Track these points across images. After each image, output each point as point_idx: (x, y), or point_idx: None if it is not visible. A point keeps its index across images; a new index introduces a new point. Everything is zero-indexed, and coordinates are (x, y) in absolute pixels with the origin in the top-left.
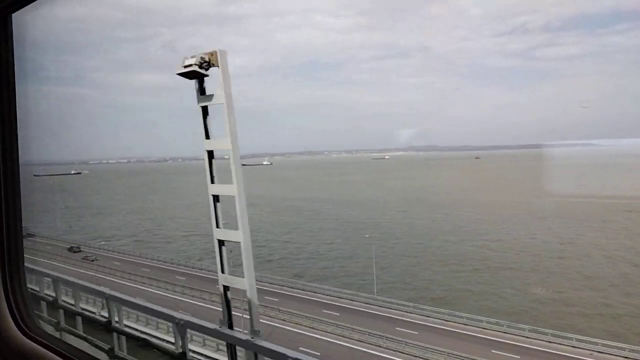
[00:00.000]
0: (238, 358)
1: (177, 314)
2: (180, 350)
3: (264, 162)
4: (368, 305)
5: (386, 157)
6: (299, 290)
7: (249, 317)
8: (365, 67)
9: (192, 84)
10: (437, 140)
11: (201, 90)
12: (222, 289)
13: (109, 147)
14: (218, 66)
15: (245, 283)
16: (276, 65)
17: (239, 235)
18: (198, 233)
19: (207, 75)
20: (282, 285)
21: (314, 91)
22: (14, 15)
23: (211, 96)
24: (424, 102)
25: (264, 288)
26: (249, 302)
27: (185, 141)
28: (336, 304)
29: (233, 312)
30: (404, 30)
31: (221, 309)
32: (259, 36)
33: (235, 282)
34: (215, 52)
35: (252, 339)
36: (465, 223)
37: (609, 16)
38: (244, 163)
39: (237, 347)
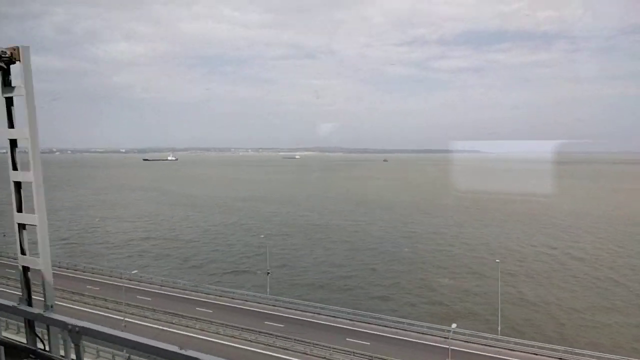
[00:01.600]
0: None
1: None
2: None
3: (169, 158)
4: None
5: (297, 156)
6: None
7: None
8: (272, 65)
9: (93, 69)
10: (343, 142)
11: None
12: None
13: None
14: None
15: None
16: (179, 56)
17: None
18: None
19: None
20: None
21: (220, 85)
22: None
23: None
24: (330, 104)
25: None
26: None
27: (77, 131)
28: None
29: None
30: (310, 31)
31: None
32: (162, 24)
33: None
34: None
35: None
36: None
37: (494, 34)
38: (147, 158)
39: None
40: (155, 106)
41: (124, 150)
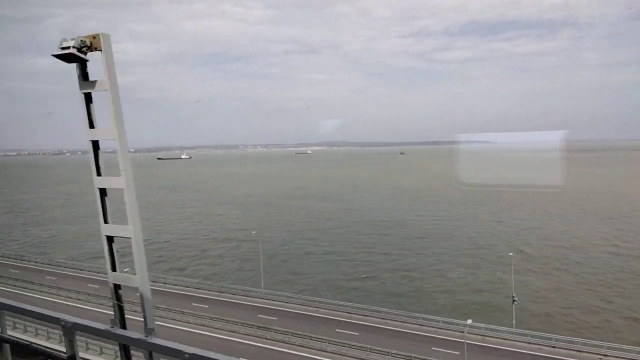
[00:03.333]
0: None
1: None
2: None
3: (183, 156)
4: None
5: (309, 151)
6: None
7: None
8: (276, 61)
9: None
10: (349, 137)
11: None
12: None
13: None
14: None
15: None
16: (183, 55)
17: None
18: None
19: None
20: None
21: (224, 83)
22: None
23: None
24: (334, 99)
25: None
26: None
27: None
28: None
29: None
30: (313, 26)
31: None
32: (165, 23)
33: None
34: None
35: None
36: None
37: (499, 24)
38: (160, 157)
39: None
40: (161, 105)
41: (133, 150)
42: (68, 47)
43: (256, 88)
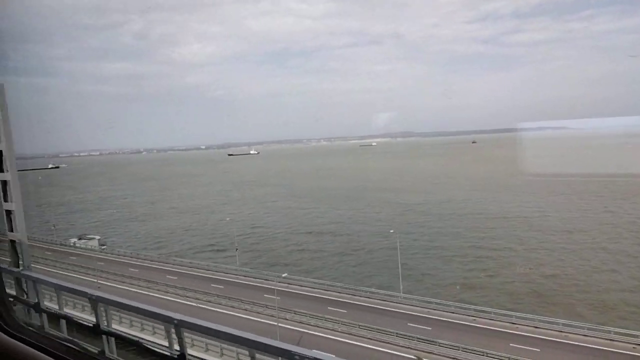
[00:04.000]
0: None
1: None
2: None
3: (251, 152)
4: None
5: (373, 143)
6: None
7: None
8: (338, 54)
9: (169, 71)
10: (416, 127)
11: None
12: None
13: (78, 139)
14: None
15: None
16: (248, 53)
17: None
18: None
19: None
20: None
21: (287, 79)
22: None
23: None
24: (397, 89)
25: None
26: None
27: (162, 131)
28: None
29: None
30: (376, 17)
31: None
32: (231, 23)
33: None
34: None
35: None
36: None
37: (574, 2)
38: (231, 153)
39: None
40: (227, 103)
41: (204, 147)
42: None
43: (318, 82)
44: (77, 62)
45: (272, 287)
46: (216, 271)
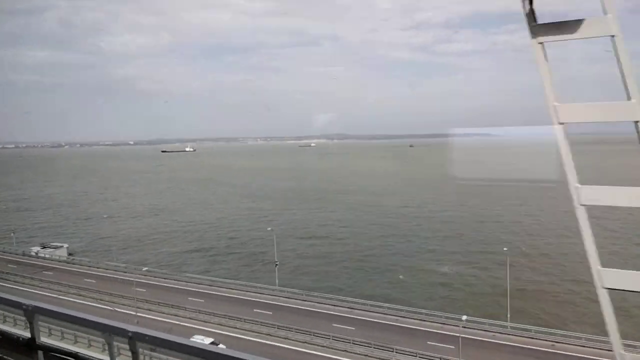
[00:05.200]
0: None
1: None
2: None
3: (187, 149)
4: None
5: (312, 144)
6: None
7: None
8: (276, 53)
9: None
10: (348, 129)
11: None
12: None
13: None
14: None
15: None
16: (183, 46)
17: None
18: None
19: None
20: None
21: (223, 75)
22: None
23: None
24: (334, 92)
25: None
26: None
27: (86, 125)
28: None
29: None
30: (315, 18)
31: None
32: (165, 14)
33: None
34: None
35: None
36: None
37: (500, 16)
38: (165, 149)
39: None
40: (160, 98)
41: (132, 143)
42: None
43: (255, 80)
44: None
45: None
46: (249, 291)
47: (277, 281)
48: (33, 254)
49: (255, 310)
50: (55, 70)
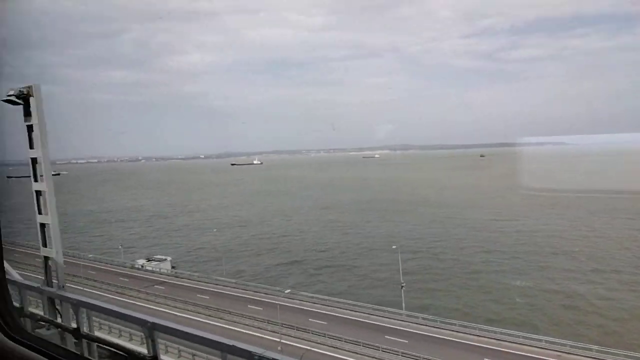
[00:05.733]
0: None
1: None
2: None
3: (255, 162)
4: None
5: (376, 155)
6: None
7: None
8: (336, 66)
9: (168, 80)
10: (413, 140)
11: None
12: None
13: (77, 146)
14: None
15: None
16: (246, 63)
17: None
18: None
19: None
20: None
21: (285, 89)
22: None
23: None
24: (395, 102)
25: None
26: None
27: (160, 140)
28: None
29: None
30: (375, 30)
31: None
32: (230, 33)
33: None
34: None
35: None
36: None
37: (570, 20)
38: (234, 163)
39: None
40: (225, 113)
41: (202, 156)
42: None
43: (316, 93)
44: (76, 70)
45: None
46: (373, 314)
47: (403, 305)
48: (138, 266)
49: (386, 337)
50: (130, 89)
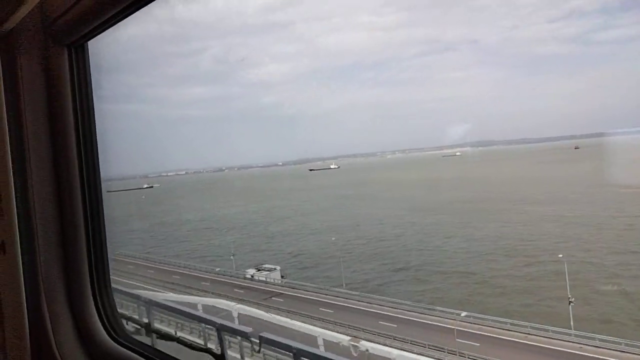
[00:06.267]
0: None
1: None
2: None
3: (332, 166)
4: None
5: (457, 153)
6: None
7: None
8: (409, 64)
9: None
10: (493, 134)
11: None
12: None
13: (164, 159)
14: None
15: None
16: (320, 70)
17: None
18: None
19: None
20: None
21: (358, 92)
22: (89, 42)
23: None
24: (473, 96)
25: None
26: None
27: (240, 150)
28: None
29: None
30: (449, 23)
31: None
32: (304, 41)
33: None
34: None
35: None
36: None
37: None
38: (312, 168)
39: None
40: (300, 120)
41: (281, 164)
42: None
43: (390, 93)
44: (161, 88)
45: None
46: (531, 334)
47: (572, 323)
48: (249, 276)
49: None
50: (212, 104)
